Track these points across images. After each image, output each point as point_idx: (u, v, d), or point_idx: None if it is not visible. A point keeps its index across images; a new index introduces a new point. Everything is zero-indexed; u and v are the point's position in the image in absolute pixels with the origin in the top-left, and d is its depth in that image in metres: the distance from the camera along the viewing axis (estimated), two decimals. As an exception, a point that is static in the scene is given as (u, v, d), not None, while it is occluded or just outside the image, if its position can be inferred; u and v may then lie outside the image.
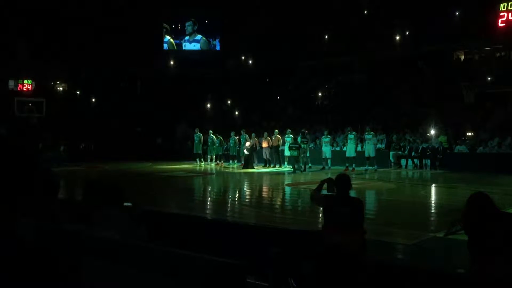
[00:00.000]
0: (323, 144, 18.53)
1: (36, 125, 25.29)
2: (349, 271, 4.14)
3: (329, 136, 18.66)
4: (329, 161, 18.21)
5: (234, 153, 21.34)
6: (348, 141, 17.97)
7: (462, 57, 26.83)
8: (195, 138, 21.75)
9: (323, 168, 18.19)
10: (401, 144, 19.39)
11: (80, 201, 4.22)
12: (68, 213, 3.83)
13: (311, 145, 19.49)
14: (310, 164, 18.52)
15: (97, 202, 4.22)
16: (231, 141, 21.33)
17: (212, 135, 21.48)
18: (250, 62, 31.21)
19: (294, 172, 17.08)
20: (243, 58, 31.54)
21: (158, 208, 8.73)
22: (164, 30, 32.43)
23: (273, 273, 4.25)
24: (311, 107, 28.18)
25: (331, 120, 24.78)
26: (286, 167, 18.69)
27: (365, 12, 27.95)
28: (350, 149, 17.73)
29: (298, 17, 27.29)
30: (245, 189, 13.34)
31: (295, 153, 17.23)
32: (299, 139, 17.92)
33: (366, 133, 17.72)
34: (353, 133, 17.99)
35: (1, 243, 1.05)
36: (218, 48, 32.22)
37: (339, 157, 18.60)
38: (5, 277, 1.02)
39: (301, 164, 17.64)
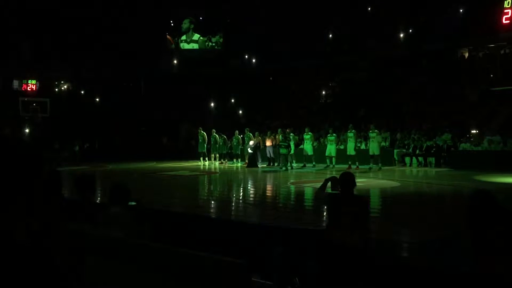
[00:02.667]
0: (328, 143, 18.52)
1: (41, 125, 25.43)
2: (353, 270, 4.13)
3: (334, 134, 18.60)
4: (333, 159, 18.17)
5: (237, 152, 21.36)
6: (348, 139, 17.97)
7: (466, 55, 26.68)
8: (199, 137, 21.76)
9: (328, 166, 18.19)
10: (405, 142, 19.33)
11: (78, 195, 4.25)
12: (70, 212, 3.84)
13: (315, 143, 19.52)
14: (294, 163, 18.75)
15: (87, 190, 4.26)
16: (234, 140, 21.33)
17: (215, 134, 21.47)
18: (254, 61, 31.18)
19: (281, 169, 17.60)
20: (246, 57, 31.53)
21: (162, 207, 8.75)
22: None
23: (278, 272, 4.25)
24: (314, 106, 28.13)
25: (334, 118, 24.71)
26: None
27: (368, 9, 27.87)
28: (350, 147, 17.76)
29: (300, 16, 27.23)
30: (249, 187, 13.33)
31: (284, 151, 17.73)
32: (308, 135, 18.65)
33: (370, 131, 17.66)
34: (353, 131, 17.95)
35: (1, 243, 1.04)
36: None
37: (343, 155, 18.55)
38: (5, 278, 1.02)
39: (293, 163, 18.39)
